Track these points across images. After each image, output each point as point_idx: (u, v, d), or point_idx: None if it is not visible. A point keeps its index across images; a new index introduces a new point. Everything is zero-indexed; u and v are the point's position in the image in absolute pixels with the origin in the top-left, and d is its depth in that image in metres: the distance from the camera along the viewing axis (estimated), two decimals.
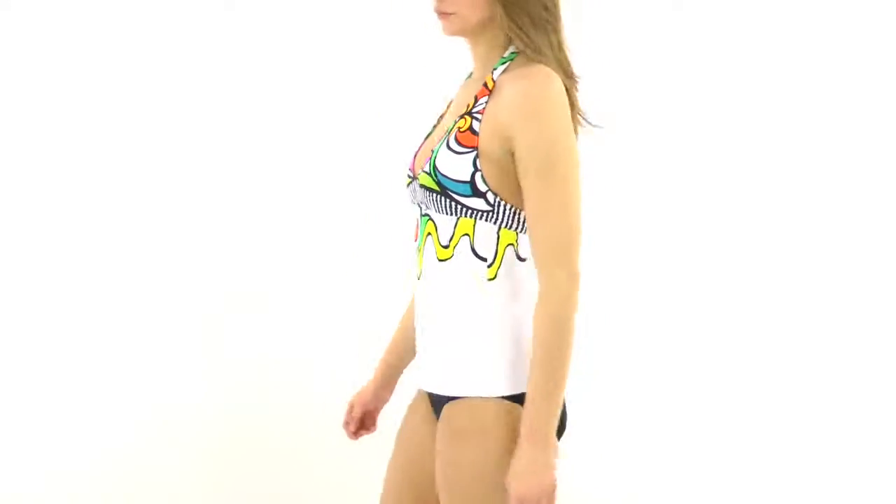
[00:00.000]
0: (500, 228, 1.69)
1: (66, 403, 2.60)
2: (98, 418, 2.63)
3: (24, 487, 2.56)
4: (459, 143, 1.67)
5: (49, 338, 2.58)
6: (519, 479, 1.61)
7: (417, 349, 1.80)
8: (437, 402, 1.76)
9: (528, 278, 1.70)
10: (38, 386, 2.58)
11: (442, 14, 1.74)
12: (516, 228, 1.70)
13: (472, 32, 1.74)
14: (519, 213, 1.69)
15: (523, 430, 1.62)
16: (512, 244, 1.70)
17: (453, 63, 2.74)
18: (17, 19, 2.51)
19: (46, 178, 2.56)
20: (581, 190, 1.65)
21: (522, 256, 1.71)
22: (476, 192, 1.67)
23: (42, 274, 2.57)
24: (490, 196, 1.67)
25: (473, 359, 1.69)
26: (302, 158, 2.72)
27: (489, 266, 1.69)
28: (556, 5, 1.72)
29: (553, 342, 1.62)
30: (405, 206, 2.72)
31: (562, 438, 1.67)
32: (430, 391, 1.78)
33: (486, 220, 1.68)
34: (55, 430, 2.60)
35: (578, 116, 1.75)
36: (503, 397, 1.68)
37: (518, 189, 1.68)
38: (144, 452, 2.67)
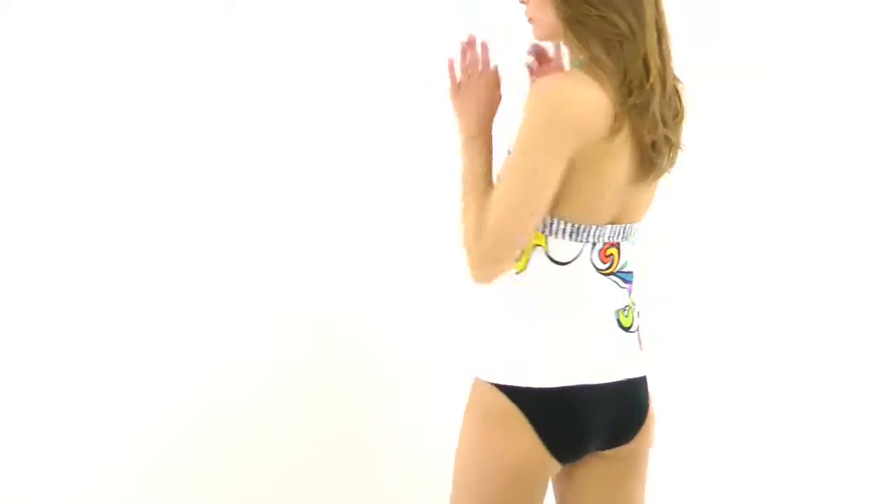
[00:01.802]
0: None
1: (66, 404, 2.60)
2: (97, 418, 2.63)
3: (24, 487, 2.57)
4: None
5: (49, 338, 2.58)
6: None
7: None
8: None
9: (560, 282, 1.77)
10: (37, 386, 2.58)
11: (528, 19, 1.83)
12: (543, 230, 1.76)
13: (557, 37, 1.80)
14: (546, 217, 1.75)
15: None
16: (541, 245, 1.77)
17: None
18: (17, 19, 2.51)
19: (45, 178, 2.56)
20: (531, 195, 1.68)
21: (555, 259, 1.77)
22: None
23: (42, 274, 2.57)
24: None
25: (485, 343, 1.82)
26: (302, 158, 2.72)
27: (516, 261, 1.77)
28: (626, 18, 1.71)
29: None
30: (405, 206, 2.74)
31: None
32: None
33: None
34: (55, 431, 2.60)
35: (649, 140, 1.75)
36: (496, 385, 1.78)
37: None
38: (144, 453, 2.67)
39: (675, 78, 1.83)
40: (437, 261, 2.65)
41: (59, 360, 2.57)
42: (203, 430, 2.70)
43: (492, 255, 1.70)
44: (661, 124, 1.75)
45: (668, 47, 1.78)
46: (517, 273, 1.79)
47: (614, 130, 1.71)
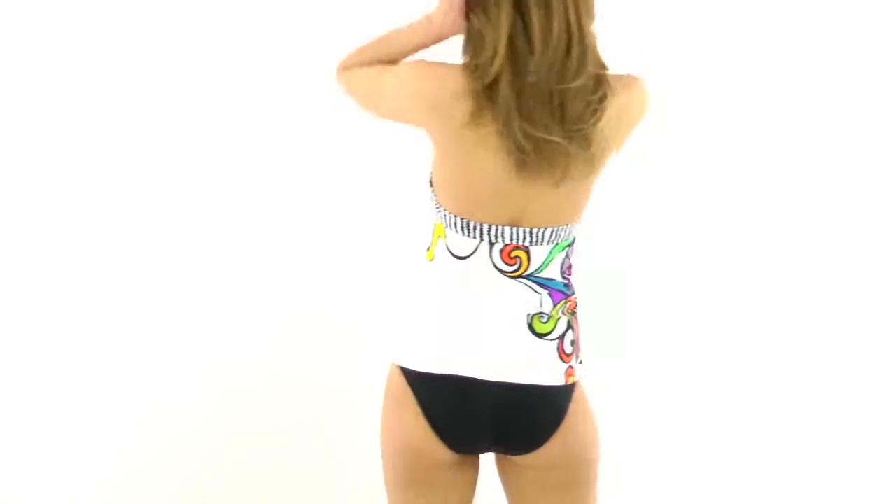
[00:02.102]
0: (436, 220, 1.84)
1: (66, 404, 2.61)
2: (97, 419, 2.63)
3: (23, 487, 2.57)
4: None
5: (48, 338, 2.59)
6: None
7: None
8: None
9: (459, 275, 1.80)
10: (37, 387, 2.58)
11: None
12: (442, 221, 1.82)
13: None
14: (439, 209, 1.81)
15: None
16: (442, 237, 1.83)
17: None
18: (18, 19, 2.51)
19: (45, 178, 2.56)
20: (376, 82, 1.85)
21: (453, 252, 1.81)
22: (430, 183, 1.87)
23: (41, 274, 2.57)
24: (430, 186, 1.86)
25: (395, 326, 1.89)
26: (301, 159, 2.72)
27: (426, 250, 1.86)
28: None
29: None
30: (407, 205, 2.74)
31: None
32: None
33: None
34: (54, 431, 2.60)
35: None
36: (398, 366, 1.86)
37: (437, 179, 1.82)
38: (144, 453, 2.67)
39: (593, 71, 1.71)
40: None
41: (44, 370, 2.57)
42: (196, 430, 2.70)
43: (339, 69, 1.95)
44: (520, 120, 1.67)
45: (549, 31, 1.66)
46: (428, 262, 1.84)
47: (474, 116, 1.69)
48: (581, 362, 1.91)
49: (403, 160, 2.49)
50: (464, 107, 1.69)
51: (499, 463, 1.97)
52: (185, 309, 2.68)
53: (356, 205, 2.70)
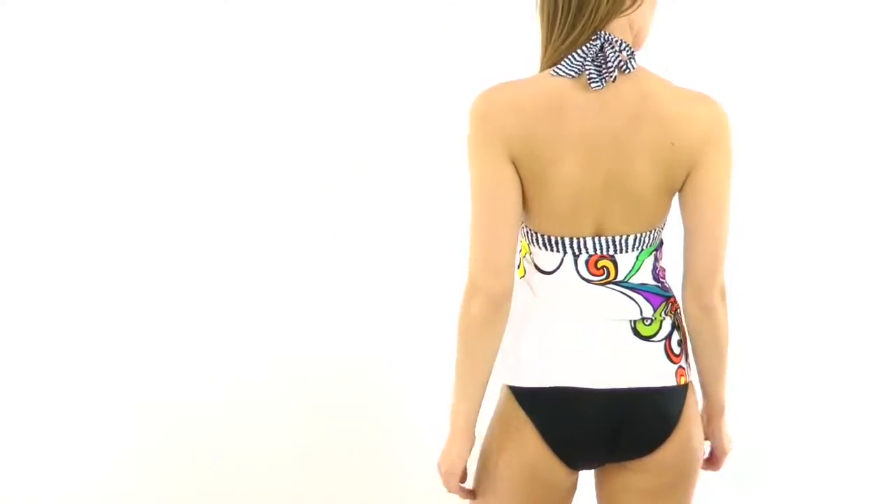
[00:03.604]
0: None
1: (65, 404, 2.60)
2: (96, 419, 2.63)
3: (23, 488, 2.57)
4: None
5: (48, 339, 2.59)
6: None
7: None
8: None
9: (548, 289, 1.77)
10: (37, 387, 2.58)
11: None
12: (526, 238, 1.80)
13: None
14: (524, 227, 1.79)
15: None
16: (528, 253, 1.80)
17: (453, 63, 2.76)
18: (17, 19, 2.51)
19: (45, 179, 2.56)
20: (482, 207, 1.69)
21: (540, 267, 1.78)
22: None
23: (41, 275, 2.57)
24: None
25: (503, 347, 1.82)
26: (302, 159, 2.72)
27: (517, 267, 1.82)
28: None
29: (457, 346, 1.76)
30: (408, 205, 2.74)
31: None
32: None
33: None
34: (54, 431, 2.60)
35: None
36: (507, 385, 1.82)
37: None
38: (143, 454, 2.67)
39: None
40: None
41: (43, 371, 2.57)
42: (195, 431, 2.70)
43: (472, 284, 1.72)
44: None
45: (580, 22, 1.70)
46: (520, 278, 1.81)
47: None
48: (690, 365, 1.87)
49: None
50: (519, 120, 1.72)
51: (601, 476, 1.91)
52: (185, 310, 2.67)
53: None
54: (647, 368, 1.78)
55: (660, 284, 1.81)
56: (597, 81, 1.66)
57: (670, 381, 1.79)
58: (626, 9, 1.71)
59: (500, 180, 1.69)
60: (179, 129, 2.63)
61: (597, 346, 1.77)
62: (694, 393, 1.84)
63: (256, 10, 2.65)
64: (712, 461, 1.98)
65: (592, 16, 1.68)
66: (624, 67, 1.67)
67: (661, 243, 1.84)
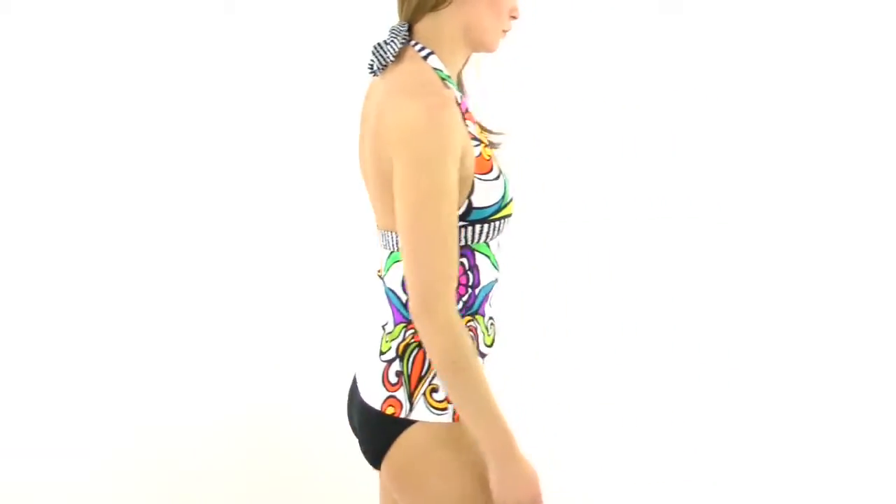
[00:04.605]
0: None
1: (65, 405, 2.60)
2: (96, 420, 2.63)
3: (23, 488, 2.57)
4: None
5: (47, 339, 2.59)
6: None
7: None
8: None
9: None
10: (37, 388, 2.58)
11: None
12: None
13: None
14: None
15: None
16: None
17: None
18: (17, 19, 2.51)
19: (45, 179, 2.56)
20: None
21: None
22: None
23: (41, 275, 2.57)
24: None
25: None
26: (302, 159, 2.72)
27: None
28: None
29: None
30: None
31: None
32: None
33: None
34: (54, 432, 2.60)
35: None
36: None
37: None
38: (143, 454, 2.67)
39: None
40: None
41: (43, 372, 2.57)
42: (196, 431, 2.70)
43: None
44: None
45: None
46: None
47: None
48: (435, 410, 1.61)
49: None
50: None
51: None
52: (185, 311, 2.67)
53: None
54: (368, 381, 1.65)
55: (405, 301, 1.63)
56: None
57: (376, 403, 1.63)
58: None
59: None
60: (179, 131, 2.63)
61: (364, 347, 1.70)
62: (436, 438, 1.60)
63: (256, 9, 2.66)
64: None
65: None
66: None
67: None
